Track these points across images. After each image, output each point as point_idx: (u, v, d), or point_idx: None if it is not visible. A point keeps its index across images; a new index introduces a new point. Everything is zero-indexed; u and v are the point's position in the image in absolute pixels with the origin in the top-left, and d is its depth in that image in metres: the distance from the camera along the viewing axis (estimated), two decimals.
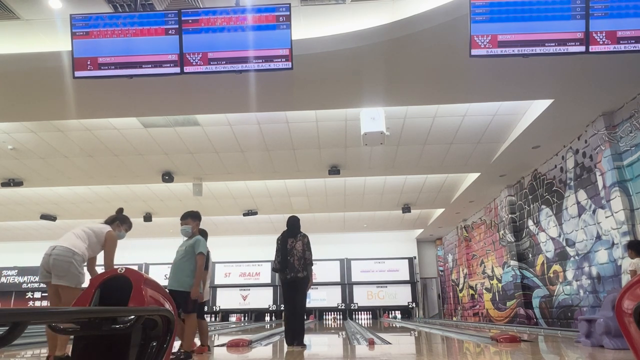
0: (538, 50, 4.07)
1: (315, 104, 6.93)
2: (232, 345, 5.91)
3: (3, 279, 18.85)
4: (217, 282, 18.51)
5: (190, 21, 4.27)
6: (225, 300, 18.27)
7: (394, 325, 12.73)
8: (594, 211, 7.54)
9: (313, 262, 5.81)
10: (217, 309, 18.22)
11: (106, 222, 4.28)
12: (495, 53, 4.10)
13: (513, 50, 4.10)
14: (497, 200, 12.09)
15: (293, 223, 5.91)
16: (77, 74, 4.36)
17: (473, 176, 10.64)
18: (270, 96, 6.41)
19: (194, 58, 4.27)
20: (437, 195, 12.62)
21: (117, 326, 1.82)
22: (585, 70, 5.82)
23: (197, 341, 5.19)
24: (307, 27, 5.29)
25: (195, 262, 4.50)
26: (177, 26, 4.27)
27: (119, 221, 4.35)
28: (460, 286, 16.16)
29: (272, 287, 18.28)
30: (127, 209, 12.11)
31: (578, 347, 5.38)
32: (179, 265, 4.53)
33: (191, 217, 4.81)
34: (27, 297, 18.52)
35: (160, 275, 18.24)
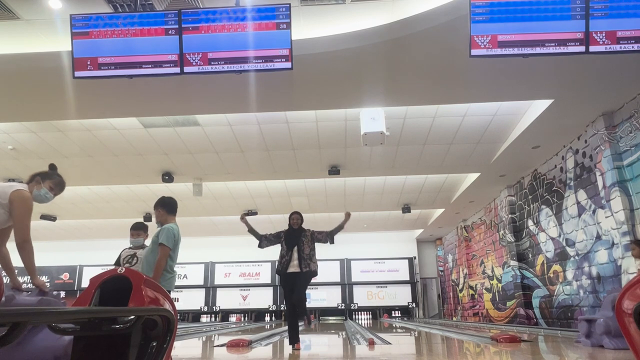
0: (538, 50, 4.08)
1: (315, 104, 6.93)
2: (232, 346, 5.92)
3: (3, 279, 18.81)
4: (217, 282, 18.52)
5: (190, 21, 4.28)
6: (225, 300, 18.27)
7: (394, 326, 12.73)
8: (593, 211, 7.54)
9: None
10: (217, 309, 18.22)
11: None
12: (495, 53, 4.10)
13: (513, 50, 4.10)
14: (497, 200, 12.08)
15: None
16: (77, 74, 4.36)
17: (473, 176, 10.63)
18: (270, 96, 6.41)
19: (193, 58, 4.27)
20: (437, 196, 12.61)
21: (117, 326, 1.82)
22: (585, 71, 5.82)
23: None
24: (307, 27, 5.29)
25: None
26: (177, 26, 4.27)
27: (41, 177, 3.11)
28: (460, 286, 16.15)
29: (272, 287, 18.28)
30: (127, 209, 12.21)
31: (578, 347, 5.38)
32: (145, 260, 3.93)
33: (155, 207, 4.07)
34: None
35: None
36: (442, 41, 5.19)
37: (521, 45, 4.08)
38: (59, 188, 3.22)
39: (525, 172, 10.17)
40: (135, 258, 4.53)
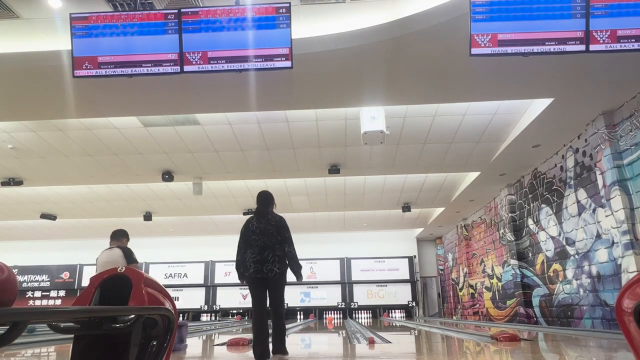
0: (538, 49, 4.07)
1: (315, 103, 6.93)
2: (232, 344, 5.92)
3: None
4: (217, 281, 18.53)
5: (190, 20, 4.27)
6: (225, 299, 18.28)
7: (394, 324, 12.74)
8: (593, 210, 7.54)
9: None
10: (217, 308, 18.24)
11: None
12: (495, 52, 4.10)
13: (513, 49, 4.10)
14: (497, 199, 12.08)
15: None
16: (77, 73, 4.36)
17: (473, 175, 10.63)
18: (270, 95, 6.41)
19: (193, 57, 4.27)
20: (437, 194, 12.62)
21: (118, 325, 1.82)
22: (586, 69, 5.81)
23: None
24: (307, 26, 5.29)
25: None
26: (176, 25, 4.27)
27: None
28: (460, 285, 16.16)
29: None
30: (127, 208, 12.20)
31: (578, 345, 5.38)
32: None
33: None
34: (27, 296, 18.49)
35: (161, 274, 18.28)
36: (442, 40, 5.19)
37: (521, 44, 4.08)
38: None
39: (525, 171, 10.17)
40: None
